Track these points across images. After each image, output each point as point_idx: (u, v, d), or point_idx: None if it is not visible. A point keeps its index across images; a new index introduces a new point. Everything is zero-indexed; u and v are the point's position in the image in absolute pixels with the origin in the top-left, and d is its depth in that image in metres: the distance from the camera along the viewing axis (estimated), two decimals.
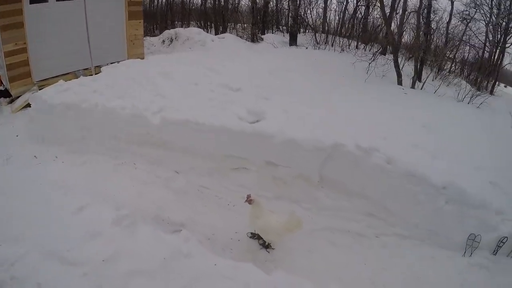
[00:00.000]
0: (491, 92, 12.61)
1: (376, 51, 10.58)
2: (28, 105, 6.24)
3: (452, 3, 14.52)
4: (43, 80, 7.52)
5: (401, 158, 4.58)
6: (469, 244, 4.17)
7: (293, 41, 13.17)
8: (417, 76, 9.89)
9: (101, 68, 7.40)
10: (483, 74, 13.23)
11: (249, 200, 3.86)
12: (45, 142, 5.60)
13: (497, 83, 14.10)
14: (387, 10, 11.38)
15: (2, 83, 7.13)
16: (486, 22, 14.93)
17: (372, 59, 9.49)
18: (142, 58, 9.26)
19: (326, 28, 14.59)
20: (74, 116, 5.54)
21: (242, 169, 5.10)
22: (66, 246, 3.07)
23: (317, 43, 12.86)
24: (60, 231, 3.27)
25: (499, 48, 14.09)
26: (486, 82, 13.11)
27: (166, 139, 5.27)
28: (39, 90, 6.64)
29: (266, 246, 4.03)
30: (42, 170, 4.84)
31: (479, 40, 15.60)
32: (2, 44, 6.66)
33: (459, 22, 15.86)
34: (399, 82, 9.28)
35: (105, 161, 5.23)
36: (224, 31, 15.57)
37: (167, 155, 5.26)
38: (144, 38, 11.22)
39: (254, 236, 4.14)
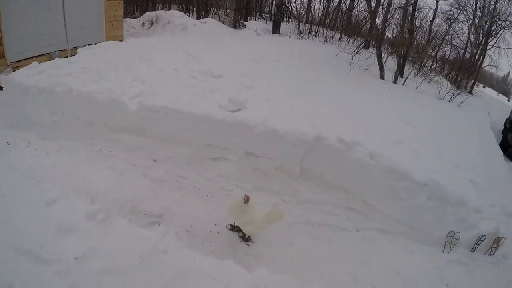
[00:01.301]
0: (471, 92, 12.84)
1: (360, 44, 10.58)
2: (0, 88, 5.91)
3: (437, 2, 14.58)
4: (17, 61, 7.16)
5: (383, 154, 4.55)
6: (448, 240, 4.21)
7: (276, 29, 13.10)
8: (400, 71, 9.93)
9: (77, 50, 7.10)
10: (463, 73, 13.41)
11: (246, 200, 3.66)
12: (18, 127, 5.31)
13: (476, 83, 14.32)
14: (373, 4, 11.34)
15: None
16: (469, 23, 15.12)
17: (355, 52, 9.46)
18: (121, 41, 8.96)
19: (310, 18, 14.49)
20: (47, 100, 5.30)
21: (221, 159, 4.99)
22: (38, 242, 2.87)
23: (301, 33, 12.81)
24: (32, 226, 3.04)
25: (480, 49, 14.29)
26: (465, 82, 13.31)
27: (144, 125, 5.10)
28: (13, 71, 6.30)
29: (246, 239, 3.93)
30: (15, 158, 4.55)
31: (461, 40, 15.84)
32: None
33: (443, 22, 16.02)
34: (382, 77, 9.33)
35: (80, 148, 4.99)
36: (206, 16, 15.29)
37: (145, 142, 5.08)
38: (124, 19, 10.88)
39: (234, 228, 4.03)
